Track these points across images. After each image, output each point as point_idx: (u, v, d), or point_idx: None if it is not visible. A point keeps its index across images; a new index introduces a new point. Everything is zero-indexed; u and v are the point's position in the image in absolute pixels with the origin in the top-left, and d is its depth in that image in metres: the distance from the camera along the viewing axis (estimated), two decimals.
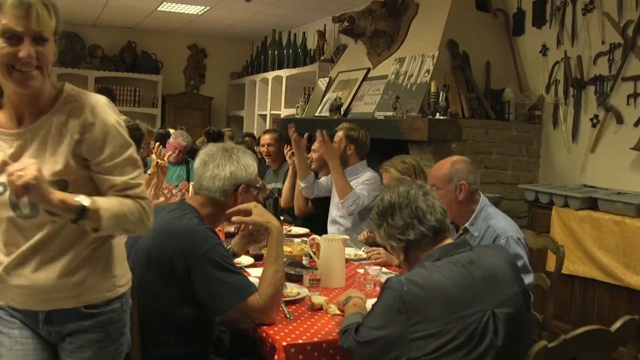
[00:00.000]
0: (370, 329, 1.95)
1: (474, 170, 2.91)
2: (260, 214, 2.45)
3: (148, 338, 2.30)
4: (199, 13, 8.64)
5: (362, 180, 4.08)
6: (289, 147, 4.91)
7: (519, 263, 2.66)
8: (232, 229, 3.78)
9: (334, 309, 2.49)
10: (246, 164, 2.50)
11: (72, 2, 8.34)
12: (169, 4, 8.14)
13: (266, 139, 5.45)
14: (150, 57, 10.30)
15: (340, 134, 4.36)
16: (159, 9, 8.49)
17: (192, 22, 9.41)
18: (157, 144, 4.17)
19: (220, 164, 2.45)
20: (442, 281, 1.91)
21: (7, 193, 1.75)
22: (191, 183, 3.83)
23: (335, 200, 4.34)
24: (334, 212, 4.38)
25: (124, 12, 8.94)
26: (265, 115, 9.08)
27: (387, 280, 1.97)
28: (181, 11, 8.58)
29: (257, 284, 2.36)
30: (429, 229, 2.03)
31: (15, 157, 1.75)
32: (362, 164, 4.35)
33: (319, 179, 4.66)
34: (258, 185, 2.58)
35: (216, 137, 7.10)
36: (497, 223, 2.80)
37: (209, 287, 2.26)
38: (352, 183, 4.14)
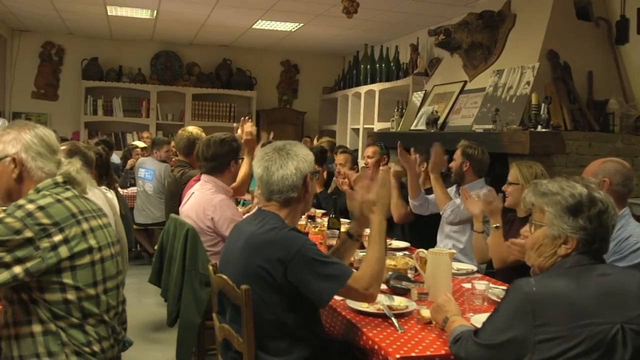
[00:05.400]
0: (495, 330, 1.94)
1: (625, 174, 2.99)
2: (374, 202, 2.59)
3: (260, 347, 2.37)
4: (293, 30, 8.80)
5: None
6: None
7: None
8: (334, 241, 3.83)
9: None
10: (305, 155, 2.57)
11: (172, 23, 8.69)
12: (264, 21, 8.34)
13: (368, 151, 5.57)
14: (245, 74, 10.56)
15: (458, 151, 4.42)
16: (253, 27, 8.71)
17: (285, 39, 9.60)
18: None
19: (282, 164, 2.50)
20: (571, 287, 1.90)
21: None
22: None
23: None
24: (447, 227, 4.40)
25: (220, 31, 9.22)
26: (358, 129, 9.13)
27: (515, 281, 1.96)
28: (275, 28, 8.77)
29: None
30: (594, 250, 1.99)
31: None
32: (480, 182, 4.35)
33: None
34: (317, 170, 2.66)
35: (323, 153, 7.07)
36: (633, 229, 2.86)
37: (309, 283, 2.32)
38: None
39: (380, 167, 2.48)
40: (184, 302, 3.46)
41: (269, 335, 2.38)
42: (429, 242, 4.25)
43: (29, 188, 2.19)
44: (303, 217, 4.58)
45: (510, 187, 3.70)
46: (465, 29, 5.76)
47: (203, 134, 5.13)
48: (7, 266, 1.99)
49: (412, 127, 6.48)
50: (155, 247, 6.50)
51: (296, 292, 2.34)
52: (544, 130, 4.62)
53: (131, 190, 7.38)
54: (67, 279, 2.08)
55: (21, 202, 2.10)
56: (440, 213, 4.38)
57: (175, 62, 10.47)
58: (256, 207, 4.08)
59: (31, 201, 2.09)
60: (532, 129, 4.65)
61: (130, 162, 7.87)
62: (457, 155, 4.40)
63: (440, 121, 5.93)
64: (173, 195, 5.01)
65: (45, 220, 2.05)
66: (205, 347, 3.69)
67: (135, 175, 7.14)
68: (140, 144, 8.45)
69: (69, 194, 2.20)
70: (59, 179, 2.22)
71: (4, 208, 2.18)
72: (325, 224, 4.43)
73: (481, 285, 2.87)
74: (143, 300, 5.63)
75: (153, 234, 7.25)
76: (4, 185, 2.23)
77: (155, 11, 8.00)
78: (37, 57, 10.06)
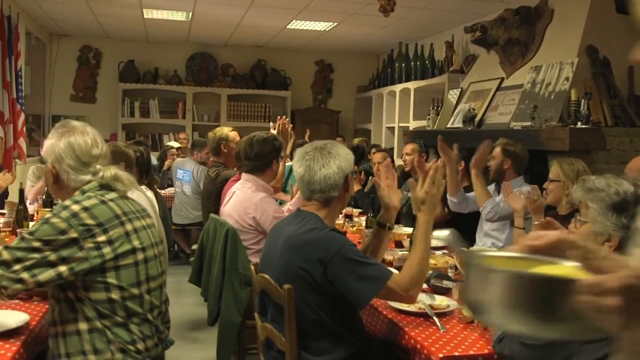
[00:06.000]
0: None
1: None
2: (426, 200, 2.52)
3: (302, 346, 2.37)
4: (327, 29, 8.80)
5: None
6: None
7: None
8: None
9: None
10: (346, 154, 2.56)
11: (207, 24, 8.75)
12: (298, 21, 8.36)
13: (407, 148, 5.56)
14: (279, 74, 10.60)
15: (497, 148, 4.36)
16: (287, 27, 8.73)
17: (319, 39, 9.60)
18: None
19: (325, 164, 2.50)
20: None
21: None
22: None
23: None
24: (486, 225, 4.37)
25: (254, 32, 9.26)
26: (394, 127, 9.10)
27: None
28: (309, 28, 8.78)
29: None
30: None
31: None
32: (520, 180, 4.30)
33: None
34: (356, 169, 2.63)
35: (361, 152, 7.07)
36: None
37: (348, 283, 2.31)
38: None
39: (431, 163, 2.46)
40: (225, 301, 3.49)
41: (311, 335, 2.39)
42: (468, 240, 4.23)
43: (67, 193, 2.25)
44: (340, 216, 4.58)
45: (551, 184, 3.66)
46: (501, 25, 5.71)
47: (229, 133, 5.17)
48: (53, 265, 2.04)
49: (449, 125, 6.44)
50: (193, 247, 6.57)
51: (336, 292, 2.34)
52: (584, 126, 4.56)
53: (168, 190, 7.45)
54: (111, 279, 2.12)
55: (67, 202, 2.15)
56: (480, 210, 4.34)
57: (211, 64, 10.55)
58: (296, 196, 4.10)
59: (77, 202, 2.14)
60: (572, 126, 4.60)
61: (167, 163, 7.95)
62: (497, 153, 4.34)
63: (477, 119, 5.88)
64: (209, 195, 5.05)
65: (90, 221, 2.09)
66: (245, 346, 3.72)
67: (173, 176, 7.20)
68: (175, 145, 8.53)
69: (113, 195, 2.24)
70: (103, 180, 2.27)
71: (49, 210, 2.23)
72: (363, 223, 4.44)
73: None
74: (181, 300, 5.68)
75: (190, 234, 7.32)
76: (49, 184, 2.35)
77: (191, 13, 8.07)
78: (75, 60, 10.22)
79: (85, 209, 2.12)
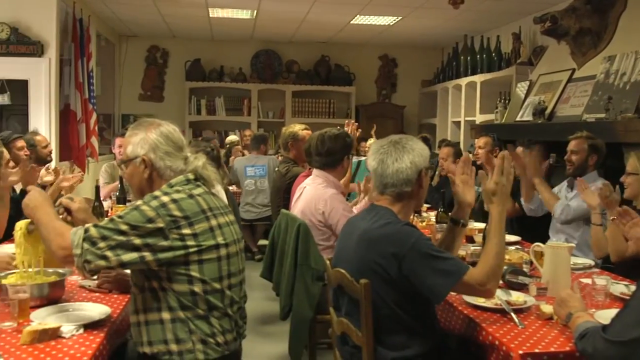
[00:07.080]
0: (625, 326, 1.87)
1: None
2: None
3: (377, 341, 2.37)
4: (391, 24, 8.75)
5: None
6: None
7: None
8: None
9: None
10: (421, 149, 2.52)
11: (271, 22, 8.83)
12: (362, 16, 8.34)
13: (479, 141, 5.51)
14: (343, 70, 10.61)
15: (582, 143, 4.27)
16: (351, 22, 8.72)
17: (383, 33, 9.56)
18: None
19: (398, 158, 2.46)
20: None
21: None
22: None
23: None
24: (558, 223, 4.29)
25: (318, 28, 9.29)
26: (459, 122, 8.98)
27: None
28: (374, 23, 8.75)
29: None
30: None
31: None
32: (594, 174, 4.23)
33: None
34: (429, 166, 2.60)
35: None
36: None
37: (424, 278, 2.29)
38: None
39: (499, 155, 2.45)
40: (297, 296, 3.51)
41: (386, 330, 2.38)
42: (540, 235, 4.15)
43: (160, 186, 2.28)
44: None
45: (629, 177, 3.55)
46: (572, 15, 5.58)
47: (300, 132, 5.20)
48: (137, 249, 2.09)
49: (518, 118, 6.32)
50: (259, 243, 6.65)
51: (412, 287, 2.33)
52: None
53: (231, 187, 7.52)
54: (195, 272, 2.16)
55: (157, 193, 2.20)
56: (553, 215, 4.30)
57: (275, 61, 10.64)
58: (363, 200, 4.10)
59: (166, 193, 2.19)
60: None
61: (231, 159, 8.04)
62: (582, 147, 4.24)
63: (548, 111, 5.75)
64: (278, 190, 5.11)
65: (177, 213, 2.14)
66: (317, 340, 3.74)
67: (240, 175, 7.21)
68: (235, 138, 8.67)
69: (200, 190, 2.28)
70: (190, 176, 2.31)
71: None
72: (432, 218, 4.40)
73: (602, 280, 2.76)
74: (251, 295, 5.72)
75: (256, 230, 7.36)
76: (136, 184, 2.35)
77: (255, 11, 8.15)
78: (143, 60, 10.46)
79: (174, 200, 2.16)
